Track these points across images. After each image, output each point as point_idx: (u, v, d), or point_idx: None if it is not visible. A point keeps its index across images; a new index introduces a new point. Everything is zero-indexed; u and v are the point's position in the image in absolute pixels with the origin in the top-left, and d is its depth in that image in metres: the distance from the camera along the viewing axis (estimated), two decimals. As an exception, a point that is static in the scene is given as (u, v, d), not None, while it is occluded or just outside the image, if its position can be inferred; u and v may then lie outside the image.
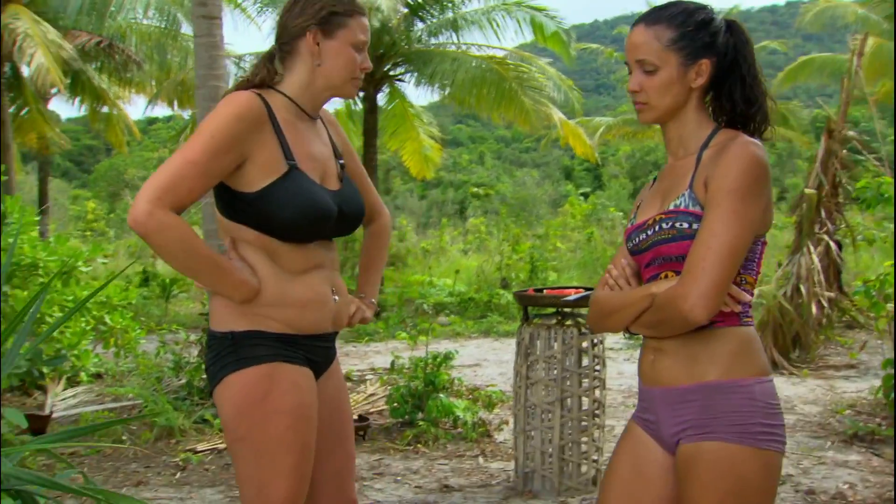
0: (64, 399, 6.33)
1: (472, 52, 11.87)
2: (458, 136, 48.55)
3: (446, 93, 11.39)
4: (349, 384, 7.05)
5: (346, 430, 2.21)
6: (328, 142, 2.16)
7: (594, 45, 19.75)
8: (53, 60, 10.35)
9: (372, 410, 5.82)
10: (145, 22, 11.99)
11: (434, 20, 11.91)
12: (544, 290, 4.27)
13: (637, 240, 1.80)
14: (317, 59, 2.03)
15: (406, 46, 11.48)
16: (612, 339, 9.36)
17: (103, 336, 7.33)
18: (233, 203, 1.97)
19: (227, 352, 1.98)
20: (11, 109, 13.28)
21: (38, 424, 5.03)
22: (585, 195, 26.76)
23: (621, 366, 7.84)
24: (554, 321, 4.09)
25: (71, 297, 7.16)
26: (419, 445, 4.93)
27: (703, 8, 1.80)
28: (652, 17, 1.78)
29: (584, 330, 4.07)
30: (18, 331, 2.14)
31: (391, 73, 11.96)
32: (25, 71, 12.34)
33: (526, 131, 11.98)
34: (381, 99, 12.59)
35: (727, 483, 1.66)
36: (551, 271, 12.82)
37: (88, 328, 7.20)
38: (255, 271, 1.98)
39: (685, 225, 1.70)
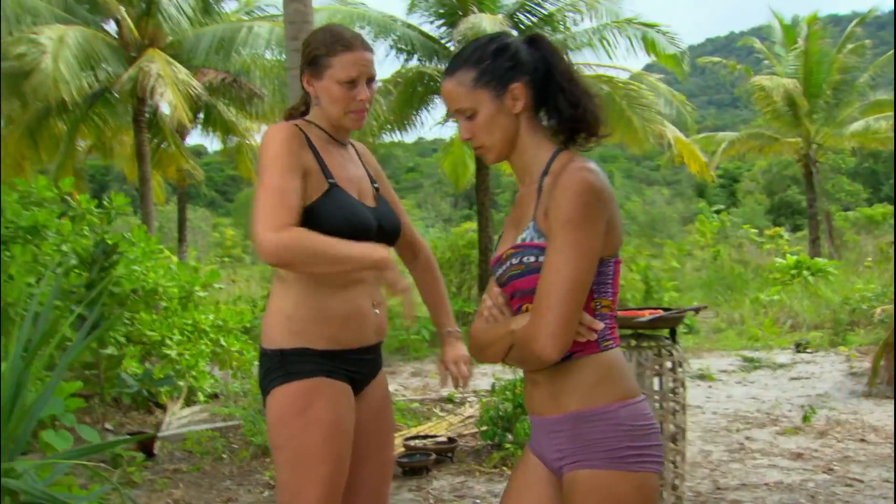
0: (181, 418, 6.64)
1: (584, 71, 11.77)
2: (587, 156, 48.12)
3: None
4: (450, 406, 7.09)
5: (385, 438, 2.31)
6: (361, 166, 2.30)
7: (717, 59, 19.16)
8: (182, 98, 10.99)
9: (466, 433, 5.82)
10: (268, 56, 12.57)
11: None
12: (618, 312, 4.16)
13: (497, 273, 1.80)
14: (315, 99, 2.19)
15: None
16: (727, 361, 9.01)
17: (219, 358, 7.67)
18: None
19: (276, 367, 2.10)
20: (152, 145, 14.16)
21: (145, 442, 5.31)
22: (719, 213, 25.91)
23: (732, 388, 7.53)
24: (629, 343, 3.98)
25: (189, 321, 7.54)
26: (505, 468, 4.90)
27: (497, 37, 1.79)
28: (452, 67, 1.78)
29: (662, 352, 3.95)
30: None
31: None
32: (167, 109, 13.06)
33: (635, 149, 11.74)
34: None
35: None
36: (672, 291, 12.48)
37: (206, 350, 7.55)
38: (298, 288, 2.10)
39: (531, 259, 1.69)
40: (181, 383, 7.12)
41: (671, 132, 11.85)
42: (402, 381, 8.47)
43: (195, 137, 25.24)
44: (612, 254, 1.71)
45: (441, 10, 11.86)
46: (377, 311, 2.19)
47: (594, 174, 1.66)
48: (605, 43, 11.69)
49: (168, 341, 7.21)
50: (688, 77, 12.33)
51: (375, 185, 2.30)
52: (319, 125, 2.20)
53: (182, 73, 11.31)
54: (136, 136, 13.28)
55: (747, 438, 5.62)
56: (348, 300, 2.12)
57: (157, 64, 11.13)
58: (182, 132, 15.58)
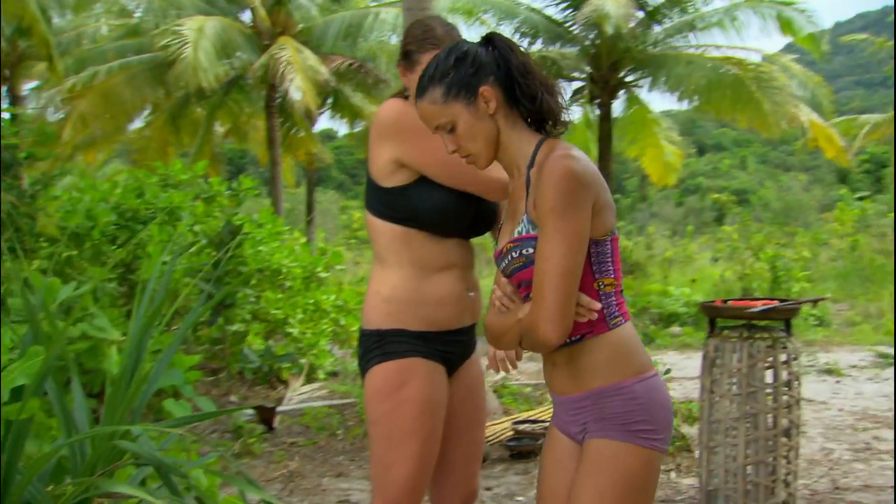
0: (301, 394, 6.91)
1: (710, 53, 11.40)
2: (721, 141, 46.54)
3: (683, 97, 11.01)
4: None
5: (477, 417, 2.37)
6: None
7: (862, 36, 18.10)
8: (311, 84, 11.34)
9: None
10: (393, 41, 12.76)
11: (672, 22, 11.57)
12: (728, 302, 4.05)
13: (501, 266, 1.85)
14: (407, 90, 2.25)
15: (640, 52, 11.27)
16: (858, 356, 8.58)
17: (339, 337, 7.92)
18: (382, 199, 2.19)
19: (374, 346, 2.20)
20: (282, 129, 14.67)
21: (266, 415, 5.56)
22: (862, 200, 24.54)
23: (861, 385, 7.18)
24: (741, 334, 3.87)
25: (312, 301, 7.81)
26: (612, 456, 4.85)
27: (453, 47, 1.83)
28: (421, 89, 1.82)
29: (776, 344, 3.82)
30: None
31: (626, 79, 11.78)
32: (296, 95, 13.48)
33: (765, 134, 11.27)
34: (619, 106, 12.44)
35: (608, 476, 1.75)
36: (803, 282, 11.94)
37: (327, 329, 7.82)
38: (395, 272, 2.18)
39: (531, 250, 1.75)
40: (302, 361, 7.40)
41: (806, 115, 11.32)
42: (521, 366, 8.48)
43: (325, 122, 25.97)
44: (606, 233, 1.76)
45: (566, -7, 11.75)
46: (471, 294, 2.25)
47: (575, 160, 1.70)
48: (735, 23, 11.25)
49: (291, 320, 7.51)
50: (827, 57, 11.72)
51: None
52: None
53: (311, 59, 11.65)
54: (267, 120, 13.80)
55: (875, 438, 5.36)
56: (443, 284, 2.18)
57: (287, 51, 11.51)
58: (311, 117, 16.05)
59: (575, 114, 19.36)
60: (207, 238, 6.27)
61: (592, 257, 1.76)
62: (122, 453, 1.98)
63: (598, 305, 1.75)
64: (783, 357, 3.86)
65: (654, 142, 12.82)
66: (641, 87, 11.69)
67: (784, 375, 3.85)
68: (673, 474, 4.54)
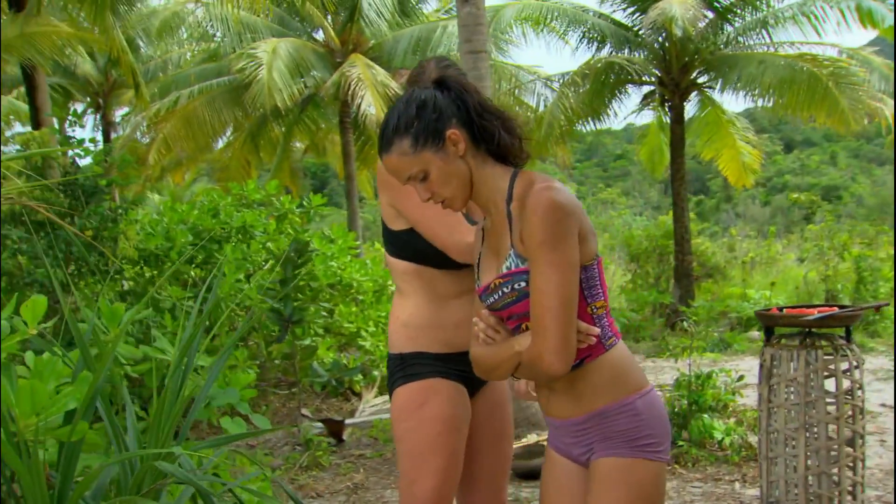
0: (373, 405, 7.03)
1: (785, 51, 11.10)
2: (810, 136, 45.08)
3: (756, 97, 10.76)
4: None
5: (503, 432, 2.43)
6: None
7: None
8: (381, 99, 11.52)
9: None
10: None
11: (743, 21, 11.33)
12: (784, 310, 3.97)
13: (489, 301, 1.86)
14: None
15: (710, 53, 11.07)
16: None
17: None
18: (394, 241, 2.31)
19: (397, 369, 2.32)
20: (357, 144, 14.94)
21: (334, 428, 5.69)
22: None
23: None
24: (798, 342, 3.80)
25: (384, 314, 7.95)
26: (676, 466, 4.81)
27: (410, 97, 1.83)
28: (384, 144, 1.82)
29: (837, 352, 3.73)
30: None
31: (698, 80, 11.59)
32: (369, 110, 13.70)
33: (843, 131, 10.88)
34: (692, 108, 12.23)
35: (622, 492, 1.79)
36: (892, 282, 11.48)
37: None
38: (413, 300, 2.29)
39: (523, 284, 1.77)
40: (375, 373, 7.53)
41: (890, 110, 10.91)
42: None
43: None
44: (592, 258, 1.80)
45: (633, -3, 11.63)
46: None
47: (556, 191, 1.73)
48: (811, 18, 10.93)
49: (364, 333, 7.66)
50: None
51: None
52: None
53: (381, 74, 11.84)
54: (341, 136, 14.07)
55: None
56: (460, 308, 2.25)
57: (357, 68, 11.73)
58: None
59: (646, 117, 19.04)
60: (273, 256, 6.46)
61: (583, 283, 1.79)
62: (163, 473, 2.09)
63: (597, 331, 1.79)
64: (844, 365, 3.77)
65: (730, 142, 12.55)
66: (713, 88, 11.47)
67: (846, 384, 3.76)
68: (737, 485, 4.46)
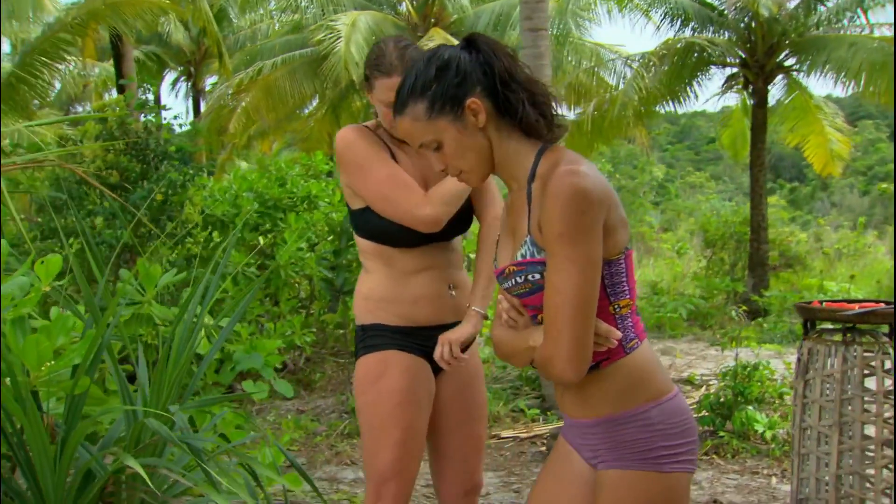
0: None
1: (882, 33, 10.60)
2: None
3: (845, 81, 10.30)
4: (688, 387, 6.89)
5: (472, 412, 2.42)
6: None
7: None
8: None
9: (691, 416, 5.66)
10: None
11: (836, 2, 10.86)
12: (825, 303, 3.84)
13: (505, 286, 1.72)
14: (373, 108, 2.35)
15: (799, 34, 10.65)
16: None
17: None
18: (353, 220, 2.36)
19: (359, 340, 2.36)
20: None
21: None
22: None
23: None
24: (837, 337, 3.68)
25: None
26: (715, 457, 4.73)
27: (433, 55, 1.66)
28: (400, 103, 1.67)
29: (879, 349, 3.60)
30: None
31: (784, 63, 11.18)
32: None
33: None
34: (778, 92, 11.82)
35: None
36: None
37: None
38: (375, 275, 2.33)
39: (537, 276, 1.61)
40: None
41: None
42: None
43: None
44: (619, 252, 1.63)
45: (720, -27, 11.30)
46: (453, 293, 2.33)
47: (582, 176, 1.54)
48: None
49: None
50: None
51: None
52: (385, 128, 2.35)
53: (458, 51, 11.84)
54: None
55: None
56: (421, 284, 2.29)
57: (434, 42, 11.74)
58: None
59: (731, 100, 18.46)
60: (330, 227, 6.57)
61: (606, 279, 1.62)
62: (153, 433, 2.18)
63: (619, 334, 1.62)
64: (887, 363, 3.64)
65: (818, 129, 12.08)
66: (800, 71, 11.05)
67: (887, 383, 3.63)
68: (774, 479, 4.37)
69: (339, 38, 11.50)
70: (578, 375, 1.57)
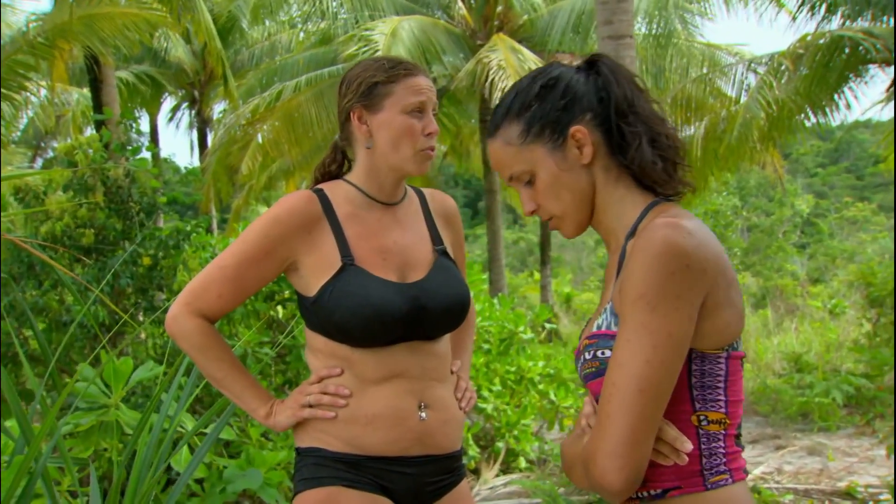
0: (490, 487, 7.08)
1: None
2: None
3: None
4: (847, 503, 6.66)
5: None
6: (421, 227, 2.37)
7: None
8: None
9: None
10: (642, 30, 12.78)
11: None
12: None
13: (578, 369, 1.67)
14: (367, 141, 2.26)
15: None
16: None
17: (548, 415, 8.00)
18: (303, 310, 2.27)
19: (297, 469, 2.27)
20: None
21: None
22: None
23: None
24: None
25: (513, 369, 7.97)
26: None
27: (541, 71, 1.70)
28: (494, 123, 1.72)
29: None
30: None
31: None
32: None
33: None
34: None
35: None
36: None
37: (534, 405, 7.93)
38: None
39: (608, 353, 1.56)
40: (500, 444, 7.58)
41: None
42: (788, 460, 8.13)
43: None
44: (721, 346, 1.55)
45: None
46: (423, 414, 2.23)
47: (681, 231, 1.49)
48: None
49: (486, 393, 7.70)
50: None
51: (439, 248, 2.34)
52: (359, 185, 2.29)
53: (529, 60, 11.93)
54: (481, 138, 14.29)
55: None
56: (382, 398, 2.18)
57: (498, 52, 11.88)
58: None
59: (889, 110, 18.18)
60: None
61: (695, 377, 1.55)
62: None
63: (690, 445, 1.53)
64: None
65: None
66: None
67: None
68: None
69: (377, 50, 11.74)
70: (623, 482, 1.47)
